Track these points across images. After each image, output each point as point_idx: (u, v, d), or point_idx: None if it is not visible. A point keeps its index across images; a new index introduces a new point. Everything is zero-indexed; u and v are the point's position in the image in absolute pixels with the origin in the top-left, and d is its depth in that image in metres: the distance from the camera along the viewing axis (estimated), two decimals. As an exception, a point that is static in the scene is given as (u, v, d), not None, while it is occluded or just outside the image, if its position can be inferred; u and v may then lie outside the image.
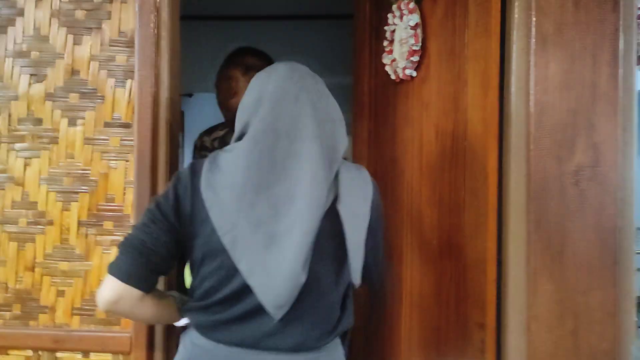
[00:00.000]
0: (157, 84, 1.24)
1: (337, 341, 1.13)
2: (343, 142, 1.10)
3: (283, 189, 1.00)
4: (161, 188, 1.25)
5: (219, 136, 1.94)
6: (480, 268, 1.30)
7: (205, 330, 1.04)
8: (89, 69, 1.26)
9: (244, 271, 0.97)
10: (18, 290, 1.27)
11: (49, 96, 1.27)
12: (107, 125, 1.26)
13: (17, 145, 1.27)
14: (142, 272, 0.99)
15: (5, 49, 1.27)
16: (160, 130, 1.25)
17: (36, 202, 1.27)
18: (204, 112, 4.11)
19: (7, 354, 1.26)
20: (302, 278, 0.97)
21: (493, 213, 1.27)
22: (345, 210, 1.04)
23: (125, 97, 1.25)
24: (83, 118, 1.26)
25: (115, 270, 0.98)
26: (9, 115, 1.27)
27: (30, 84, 1.26)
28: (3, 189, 1.27)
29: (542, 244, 1.16)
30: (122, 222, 1.25)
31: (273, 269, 0.97)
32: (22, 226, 1.27)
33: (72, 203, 1.26)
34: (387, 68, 1.67)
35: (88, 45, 1.26)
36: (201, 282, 1.04)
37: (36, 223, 1.27)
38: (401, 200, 1.67)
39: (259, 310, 0.99)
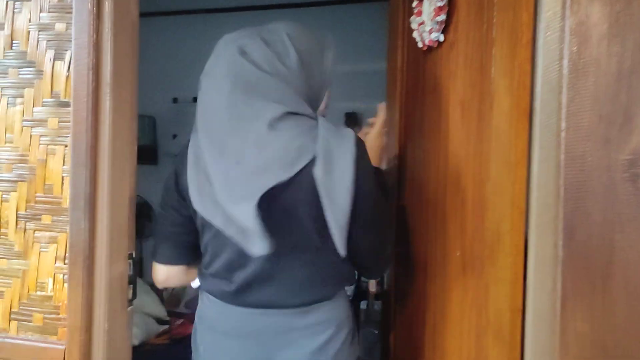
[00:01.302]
0: (97, 54, 1.05)
1: (336, 300, 1.19)
2: (290, 99, 1.06)
3: (235, 150, 1.01)
4: (102, 179, 1.06)
5: None
6: (502, 291, 0.97)
7: (214, 295, 1.18)
8: (28, 39, 1.10)
9: (220, 226, 1.01)
10: (-41, 288, 1.15)
11: (-12, 72, 1.13)
12: (45, 104, 1.09)
13: (-41, 128, 1.15)
14: (178, 252, 1.19)
15: (-51, 21, 1.15)
16: (102, 109, 1.06)
17: (-24, 192, 1.14)
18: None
19: (-51, 358, 1.15)
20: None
21: (519, 217, 0.95)
22: (321, 174, 1.00)
23: (64, 71, 1.07)
24: (22, 96, 1.10)
25: (159, 259, 1.19)
26: (-48, 94, 1.15)
27: (-29, 59, 1.13)
28: (-54, 176, 1.15)
29: (577, 263, 0.82)
30: (60, 217, 1.08)
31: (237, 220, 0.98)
32: (-38, 218, 1.15)
33: (11, 193, 1.11)
34: (414, 35, 1.36)
35: (27, 12, 1.10)
36: (205, 250, 1.17)
37: (-24, 215, 1.14)
38: (426, 198, 1.35)
39: (258, 277, 1.11)
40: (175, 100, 4.29)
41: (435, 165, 1.30)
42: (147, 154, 4.21)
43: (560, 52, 0.82)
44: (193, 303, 2.84)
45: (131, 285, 1.15)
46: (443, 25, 1.23)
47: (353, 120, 3.45)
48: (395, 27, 1.61)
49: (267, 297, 1.13)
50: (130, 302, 1.15)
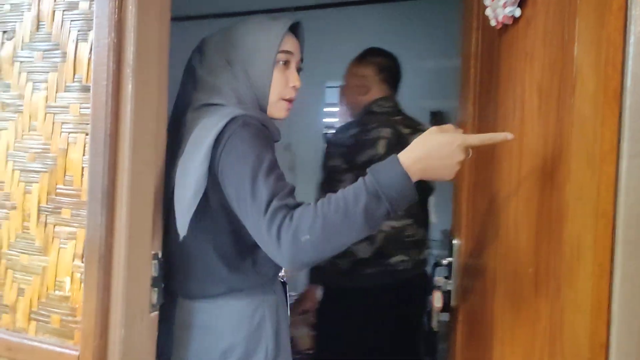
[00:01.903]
0: (119, 34, 0.95)
1: (229, 299, 1.17)
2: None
3: None
4: (122, 170, 0.96)
5: (354, 133, 1.93)
6: (581, 321, 0.77)
7: None
8: (53, 20, 1.03)
9: None
10: (-15, 283, 1.10)
11: (16, 56, 1.06)
12: (68, 89, 1.01)
13: (-11, 115, 1.10)
14: None
15: (-17, 4, 1.11)
16: (123, 94, 0.96)
17: (3, 182, 1.08)
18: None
19: (-26, 355, 1.10)
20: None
21: (605, 228, 0.75)
22: (181, 160, 1.09)
23: (86, 53, 0.99)
24: (46, 81, 1.03)
25: None
26: (-17, 81, 1.10)
27: (3, 43, 1.08)
28: (-24, 166, 1.11)
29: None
30: (80, 211, 0.99)
31: None
32: (-11, 209, 1.10)
33: (33, 184, 1.04)
34: (487, 12, 1.17)
35: (52, -9, 1.03)
36: None
37: (2, 207, 1.08)
38: (496, 204, 1.15)
39: None
40: (257, 99, 4.27)
41: (508, 164, 1.10)
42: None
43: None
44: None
45: (156, 289, 1.05)
46: (518, -1, 1.04)
47: (439, 118, 3.25)
48: (469, 8, 1.42)
49: None
50: (154, 307, 1.05)
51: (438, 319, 1.44)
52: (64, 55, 1.01)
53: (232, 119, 1.06)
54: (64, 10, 1.02)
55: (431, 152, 0.97)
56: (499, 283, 1.14)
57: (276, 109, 1.23)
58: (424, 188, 1.91)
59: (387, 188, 0.95)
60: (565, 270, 0.81)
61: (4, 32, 1.07)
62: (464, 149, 0.98)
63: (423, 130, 1.05)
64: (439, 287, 1.45)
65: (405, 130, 1.91)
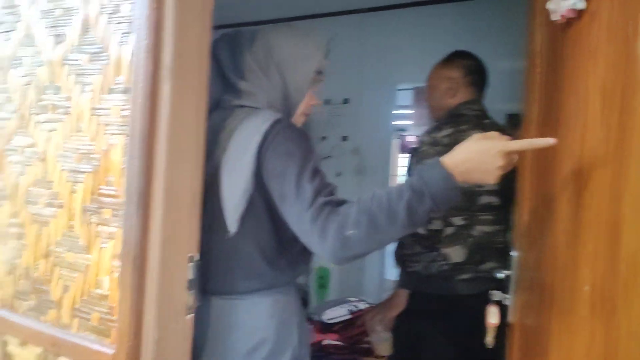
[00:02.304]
0: (157, 35, 0.95)
1: (262, 295, 1.19)
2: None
3: None
4: (158, 172, 0.96)
5: (449, 133, 1.87)
6: (634, 347, 0.68)
7: None
8: (98, 23, 1.05)
9: None
10: (35, 278, 1.14)
11: (65, 59, 1.09)
12: (111, 91, 1.03)
13: (42, 117, 1.13)
14: None
15: (38, 9, 1.14)
16: (160, 96, 0.96)
17: (52, 182, 1.11)
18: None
19: (25, 348, 1.14)
20: None
21: None
22: (225, 160, 1.14)
23: (127, 56, 1.00)
24: (91, 84, 1.05)
25: None
26: (38, 84, 1.14)
27: (53, 47, 1.12)
28: (30, 165, 1.15)
29: None
30: (119, 211, 1.01)
31: None
32: (40, 207, 1.13)
33: (78, 184, 1.07)
34: (549, 6, 1.08)
35: (99, -4, 1.05)
36: None
37: (51, 205, 1.12)
38: (554, 214, 1.06)
39: None
40: (326, 101, 4.26)
41: (569, 172, 1.00)
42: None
43: None
44: (319, 309, 2.73)
45: (192, 291, 1.04)
46: (583, -12, 0.94)
47: (515, 121, 3.09)
48: (533, 2, 1.32)
49: None
50: (190, 309, 1.04)
51: (493, 335, 1.35)
52: (108, 58, 1.03)
53: (276, 121, 1.13)
54: (108, 14, 1.03)
55: (473, 157, 1.02)
56: (555, 300, 1.05)
57: (296, 121, 1.28)
58: (512, 194, 1.82)
59: (430, 186, 1.00)
60: (622, 291, 0.72)
61: (56, 36, 1.11)
62: (505, 155, 1.01)
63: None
64: (495, 301, 1.36)
65: None
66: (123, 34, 1.01)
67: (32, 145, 1.15)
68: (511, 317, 1.33)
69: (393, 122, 4.10)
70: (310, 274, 4.08)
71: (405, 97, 3.99)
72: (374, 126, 3.91)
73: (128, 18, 1.00)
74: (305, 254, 1.23)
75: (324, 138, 4.27)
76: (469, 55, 1.97)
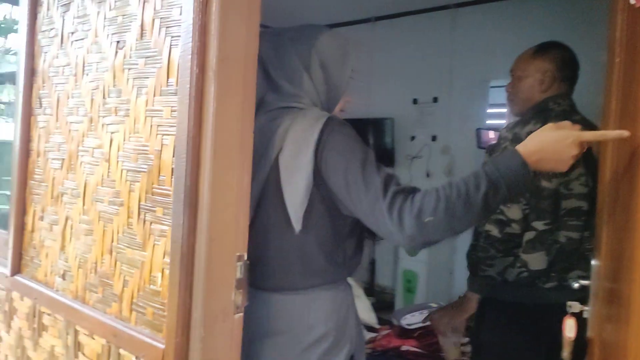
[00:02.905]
0: (203, 37, 0.97)
1: (321, 290, 1.21)
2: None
3: None
4: (204, 172, 0.97)
5: (533, 130, 1.75)
6: None
7: None
8: (153, 28, 1.08)
9: None
10: (101, 273, 1.20)
11: (126, 64, 1.14)
12: (162, 93, 1.06)
13: (107, 119, 1.19)
14: None
15: (104, 17, 1.21)
16: (206, 97, 0.97)
17: (115, 181, 1.17)
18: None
19: (93, 338, 1.21)
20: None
21: None
22: (282, 160, 1.15)
23: (177, 59, 1.02)
24: (146, 86, 1.09)
25: None
26: (103, 88, 1.20)
27: (116, 52, 1.17)
28: (97, 165, 1.22)
29: None
30: (170, 210, 1.03)
31: None
32: (105, 205, 1.19)
33: (136, 183, 1.11)
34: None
35: (153, 1, 1.08)
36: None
37: (113, 203, 1.17)
38: (633, 223, 0.95)
39: None
40: (415, 101, 4.17)
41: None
42: (384, 156, 4.16)
43: None
44: (399, 313, 2.67)
45: (240, 291, 1.05)
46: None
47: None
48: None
49: None
50: (238, 309, 1.05)
51: (570, 350, 1.24)
52: (161, 61, 1.06)
53: (329, 119, 1.15)
54: (161, 18, 1.07)
55: (546, 146, 1.06)
56: (633, 314, 0.94)
57: None
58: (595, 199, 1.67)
59: (507, 176, 1.04)
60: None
61: (117, 42, 1.16)
62: (578, 144, 1.05)
63: None
64: (572, 314, 1.25)
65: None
66: (174, 37, 1.04)
67: (99, 147, 1.22)
68: (590, 331, 1.21)
69: (487, 121, 3.92)
70: (397, 278, 4.01)
71: (499, 94, 3.79)
72: (464, 125, 3.76)
73: (178, 22, 1.03)
74: (359, 249, 1.26)
75: (412, 138, 4.18)
76: (563, 47, 1.82)
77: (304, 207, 1.14)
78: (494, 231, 1.61)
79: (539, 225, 1.60)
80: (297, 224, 1.15)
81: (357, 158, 1.11)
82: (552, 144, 1.06)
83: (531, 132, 1.70)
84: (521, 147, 1.07)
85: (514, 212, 1.59)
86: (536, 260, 1.60)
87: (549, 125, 1.10)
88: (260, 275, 1.18)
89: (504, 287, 1.65)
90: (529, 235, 1.60)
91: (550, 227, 1.60)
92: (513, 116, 1.97)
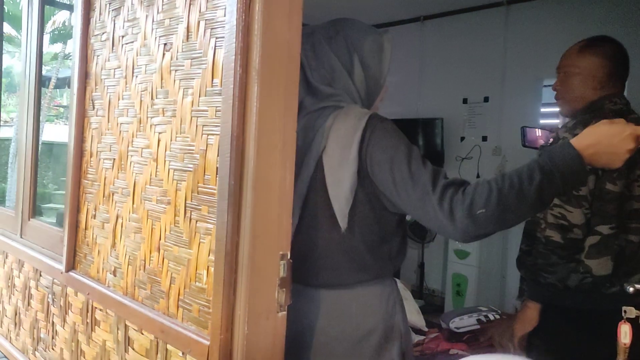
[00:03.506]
0: (247, 38, 0.98)
1: (368, 285, 1.22)
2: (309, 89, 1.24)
3: None
4: (248, 171, 0.98)
5: None
6: None
7: None
8: (198, 30, 1.10)
9: None
10: (150, 270, 1.23)
11: (172, 65, 1.17)
12: (207, 94, 1.07)
13: (155, 120, 1.22)
14: None
15: (153, 20, 1.24)
16: (249, 97, 0.98)
17: (162, 180, 1.19)
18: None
19: (142, 334, 1.24)
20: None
21: None
22: (327, 159, 1.16)
23: (221, 60, 1.03)
24: (192, 87, 1.11)
25: None
26: (151, 89, 1.23)
27: (163, 54, 1.19)
28: (146, 164, 1.25)
29: None
30: (214, 208, 1.05)
31: None
32: (153, 203, 1.22)
33: (182, 182, 1.13)
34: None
35: (198, 3, 1.10)
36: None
37: (161, 202, 1.20)
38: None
39: None
40: (465, 100, 4.10)
41: None
42: (433, 158, 4.10)
43: None
44: (447, 316, 2.61)
45: (284, 289, 1.05)
46: None
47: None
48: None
49: None
50: (282, 307, 1.05)
51: (625, 358, 1.18)
52: (207, 62, 1.08)
53: (371, 116, 1.16)
54: (206, 20, 1.08)
55: (602, 140, 1.07)
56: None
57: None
58: None
59: (561, 167, 1.04)
60: None
61: (165, 44, 1.19)
62: (635, 139, 1.07)
63: None
64: (628, 319, 1.19)
65: None
66: (218, 38, 1.05)
67: (147, 147, 1.25)
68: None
69: (540, 121, 3.80)
70: (446, 282, 3.94)
71: (552, 93, 3.68)
72: (516, 125, 3.66)
73: (222, 23, 1.04)
74: (403, 244, 1.25)
75: (462, 139, 4.11)
76: (616, 42, 1.73)
77: (349, 204, 1.15)
78: (556, 237, 1.54)
79: (604, 229, 1.52)
80: (342, 222, 1.16)
81: (402, 153, 1.11)
82: (607, 137, 1.07)
83: None
84: (576, 141, 1.07)
85: (576, 216, 1.52)
86: (601, 266, 1.53)
87: (604, 120, 1.09)
88: (307, 272, 1.19)
89: (564, 293, 1.58)
90: (592, 239, 1.53)
91: (616, 231, 1.53)
92: (563, 117, 1.88)
